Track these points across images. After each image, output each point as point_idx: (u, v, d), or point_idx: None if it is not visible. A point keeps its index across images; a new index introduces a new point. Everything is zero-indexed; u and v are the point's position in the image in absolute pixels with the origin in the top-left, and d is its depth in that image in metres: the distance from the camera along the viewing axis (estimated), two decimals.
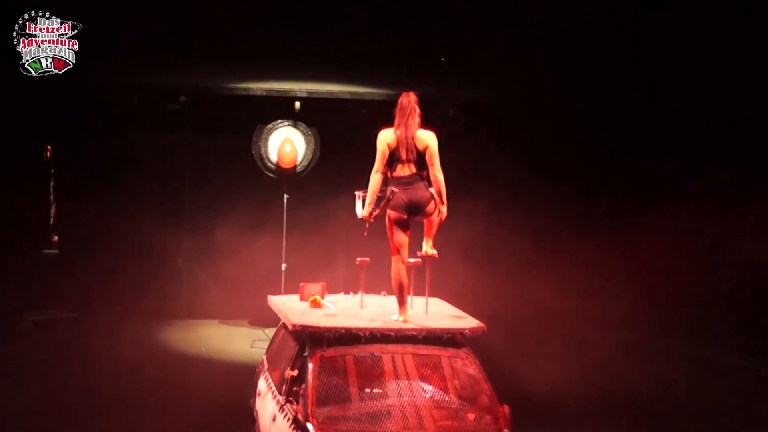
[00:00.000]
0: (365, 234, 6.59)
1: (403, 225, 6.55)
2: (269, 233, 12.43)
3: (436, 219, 6.63)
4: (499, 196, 13.10)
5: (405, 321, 6.40)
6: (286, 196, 12.65)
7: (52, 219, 14.49)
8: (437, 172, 6.51)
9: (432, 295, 6.96)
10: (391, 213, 6.52)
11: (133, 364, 10.57)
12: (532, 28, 13.05)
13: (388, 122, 6.77)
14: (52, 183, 14.20)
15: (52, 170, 13.99)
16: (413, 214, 6.56)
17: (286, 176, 12.89)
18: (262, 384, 7.03)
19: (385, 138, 6.56)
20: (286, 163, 12.83)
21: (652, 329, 12.97)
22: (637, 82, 13.48)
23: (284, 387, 6.19)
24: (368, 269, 7.01)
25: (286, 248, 12.58)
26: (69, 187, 13.58)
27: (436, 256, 6.66)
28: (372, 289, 7.43)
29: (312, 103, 13.06)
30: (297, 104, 13.01)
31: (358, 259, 6.98)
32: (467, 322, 6.45)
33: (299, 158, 12.95)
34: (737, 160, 12.98)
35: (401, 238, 6.55)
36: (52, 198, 14.43)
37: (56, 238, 14.33)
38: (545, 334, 12.54)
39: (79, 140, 13.21)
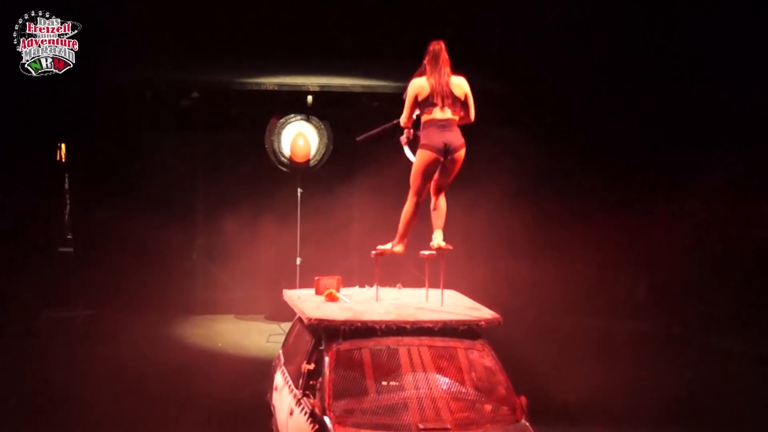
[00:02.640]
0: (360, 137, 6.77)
1: (433, 168, 6.59)
2: (283, 227, 12.43)
3: (444, 208, 6.75)
4: (509, 189, 13.02)
5: (402, 252, 6.63)
6: (299, 190, 12.67)
7: (66, 217, 14.52)
8: (472, 116, 6.69)
9: (447, 287, 6.94)
10: (425, 153, 6.55)
11: (149, 359, 10.62)
12: (547, 16, 12.95)
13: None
14: (66, 181, 14.22)
15: (66, 168, 14.01)
16: (446, 156, 6.58)
17: (299, 170, 12.90)
18: (279, 378, 7.04)
19: (415, 88, 6.62)
20: (299, 158, 12.84)
21: (667, 319, 12.94)
22: (653, 72, 13.36)
23: (301, 381, 6.20)
24: (383, 262, 6.99)
25: (300, 242, 12.60)
26: (83, 184, 13.59)
27: (450, 247, 6.65)
28: (387, 281, 7.42)
29: (324, 97, 13.06)
30: (309, 98, 13.02)
31: (373, 251, 6.97)
32: (483, 313, 6.42)
33: (312, 152, 12.95)
34: (755, 147, 12.88)
35: (425, 183, 6.63)
36: (66, 196, 14.45)
37: (71, 236, 14.37)
38: (561, 325, 12.51)
39: (92, 138, 13.21)
